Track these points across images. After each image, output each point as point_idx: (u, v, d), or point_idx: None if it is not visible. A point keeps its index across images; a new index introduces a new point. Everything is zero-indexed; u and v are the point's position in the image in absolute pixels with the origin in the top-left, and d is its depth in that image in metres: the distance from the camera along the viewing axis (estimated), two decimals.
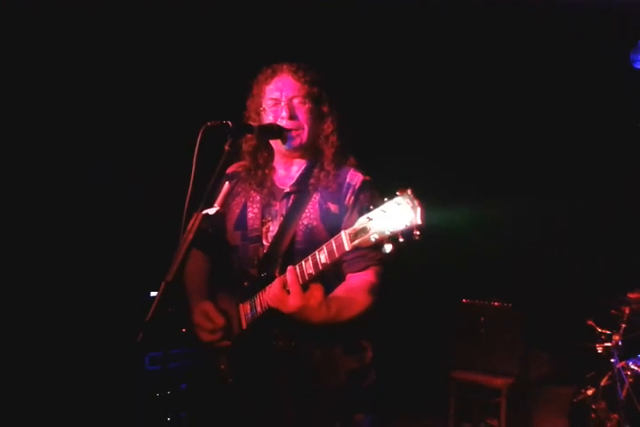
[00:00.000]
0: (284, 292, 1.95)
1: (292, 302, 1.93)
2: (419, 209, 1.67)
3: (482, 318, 4.57)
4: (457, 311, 4.74)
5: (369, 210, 1.78)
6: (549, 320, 4.51)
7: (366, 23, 4.43)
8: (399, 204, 1.70)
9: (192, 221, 1.85)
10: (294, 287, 1.93)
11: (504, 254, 4.91)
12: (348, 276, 2.20)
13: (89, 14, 3.86)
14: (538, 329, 4.50)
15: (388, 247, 1.73)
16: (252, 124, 2.19)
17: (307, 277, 1.96)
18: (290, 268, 1.96)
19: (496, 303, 4.59)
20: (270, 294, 2.01)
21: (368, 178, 2.27)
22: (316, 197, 2.26)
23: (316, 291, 1.96)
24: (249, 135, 2.30)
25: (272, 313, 2.11)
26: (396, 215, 1.69)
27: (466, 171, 4.99)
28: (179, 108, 4.11)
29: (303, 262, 1.97)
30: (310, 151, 2.32)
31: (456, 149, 4.96)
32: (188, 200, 1.88)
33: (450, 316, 4.77)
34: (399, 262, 2.03)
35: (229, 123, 2.00)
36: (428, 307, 4.85)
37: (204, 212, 1.87)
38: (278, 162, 2.39)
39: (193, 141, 1.93)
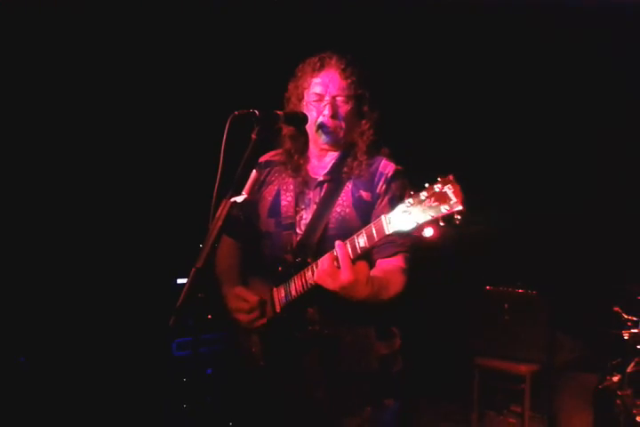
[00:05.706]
0: (335, 266, 1.96)
1: (344, 276, 1.93)
2: (460, 194, 1.68)
3: (506, 305, 4.55)
4: (481, 298, 4.74)
5: (401, 199, 1.80)
6: (574, 307, 4.48)
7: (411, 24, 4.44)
8: (441, 188, 1.71)
9: (220, 209, 1.88)
10: (346, 262, 1.93)
11: (528, 240, 4.89)
12: (379, 261, 2.22)
13: (117, 10, 3.91)
14: (562, 316, 4.48)
15: (428, 231, 1.74)
16: (277, 112, 2.16)
17: (352, 256, 1.97)
18: (340, 243, 1.97)
19: (520, 290, 4.58)
20: (319, 270, 2.00)
21: (400, 168, 2.31)
22: (348, 186, 2.29)
23: (363, 266, 1.98)
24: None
25: (308, 297, 2.14)
26: (438, 200, 1.70)
27: (493, 160, 4.97)
28: (209, 97, 4.15)
29: (348, 242, 1.98)
30: (344, 143, 2.34)
31: (485, 141, 4.94)
32: (216, 188, 1.89)
33: (474, 303, 4.77)
34: (424, 249, 2.04)
35: (256, 111, 2.00)
36: (453, 294, 4.85)
37: (233, 199, 1.89)
38: (312, 151, 2.41)
39: (222, 130, 1.95)
